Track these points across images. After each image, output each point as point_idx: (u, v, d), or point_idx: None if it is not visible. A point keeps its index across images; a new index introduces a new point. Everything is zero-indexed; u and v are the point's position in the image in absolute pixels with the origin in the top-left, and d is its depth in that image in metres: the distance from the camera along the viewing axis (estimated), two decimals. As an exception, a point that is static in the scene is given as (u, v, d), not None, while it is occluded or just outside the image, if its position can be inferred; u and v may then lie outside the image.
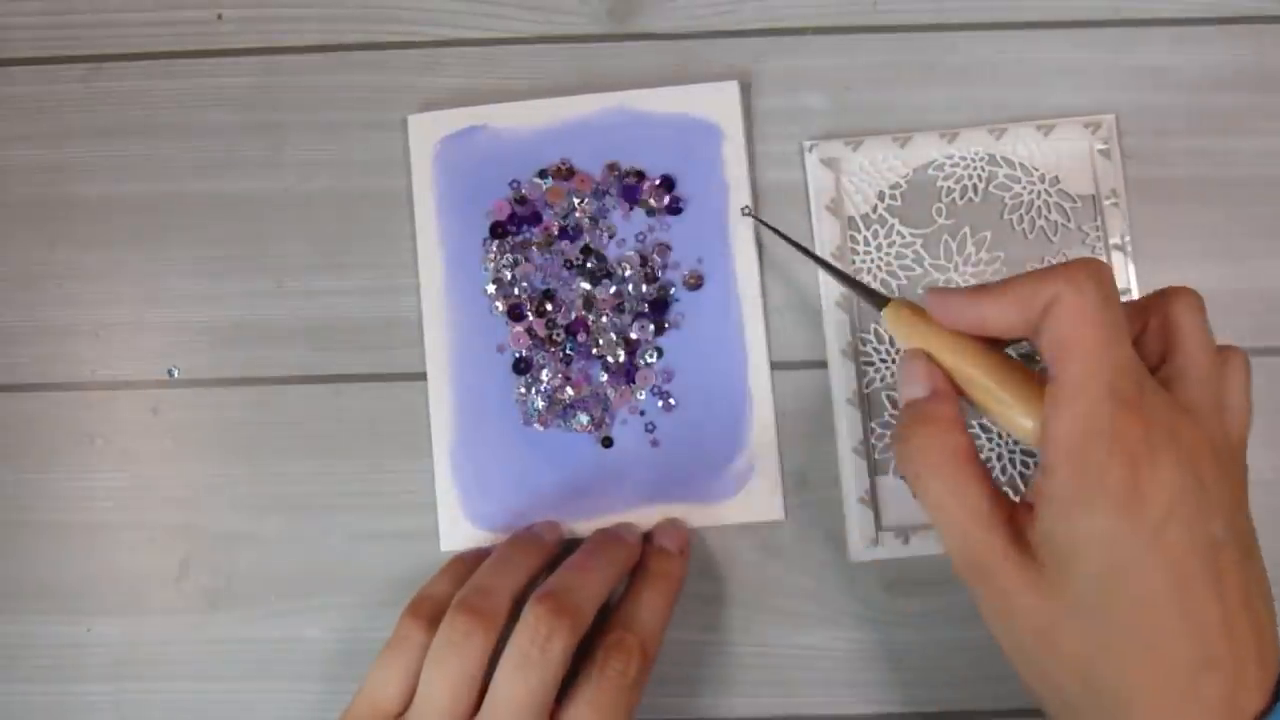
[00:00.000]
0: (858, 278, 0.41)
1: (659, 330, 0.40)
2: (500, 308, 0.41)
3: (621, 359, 0.40)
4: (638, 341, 0.40)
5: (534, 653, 0.32)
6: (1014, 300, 0.30)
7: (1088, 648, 0.28)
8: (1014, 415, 0.31)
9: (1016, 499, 0.31)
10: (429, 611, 0.35)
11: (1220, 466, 0.29)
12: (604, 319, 0.41)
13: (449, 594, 0.35)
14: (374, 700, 0.34)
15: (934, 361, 0.32)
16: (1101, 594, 0.28)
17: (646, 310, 0.41)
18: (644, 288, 0.41)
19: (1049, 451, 0.29)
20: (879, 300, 0.34)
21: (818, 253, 0.41)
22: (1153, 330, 0.32)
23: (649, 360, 0.40)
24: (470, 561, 0.37)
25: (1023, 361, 0.33)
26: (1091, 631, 0.28)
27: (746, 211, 0.40)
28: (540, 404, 0.40)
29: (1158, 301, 0.32)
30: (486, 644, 0.33)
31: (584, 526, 0.40)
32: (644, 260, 0.41)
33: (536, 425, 0.40)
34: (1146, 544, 0.28)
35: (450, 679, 0.32)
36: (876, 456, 0.40)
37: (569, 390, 0.40)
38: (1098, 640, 0.28)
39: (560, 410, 0.40)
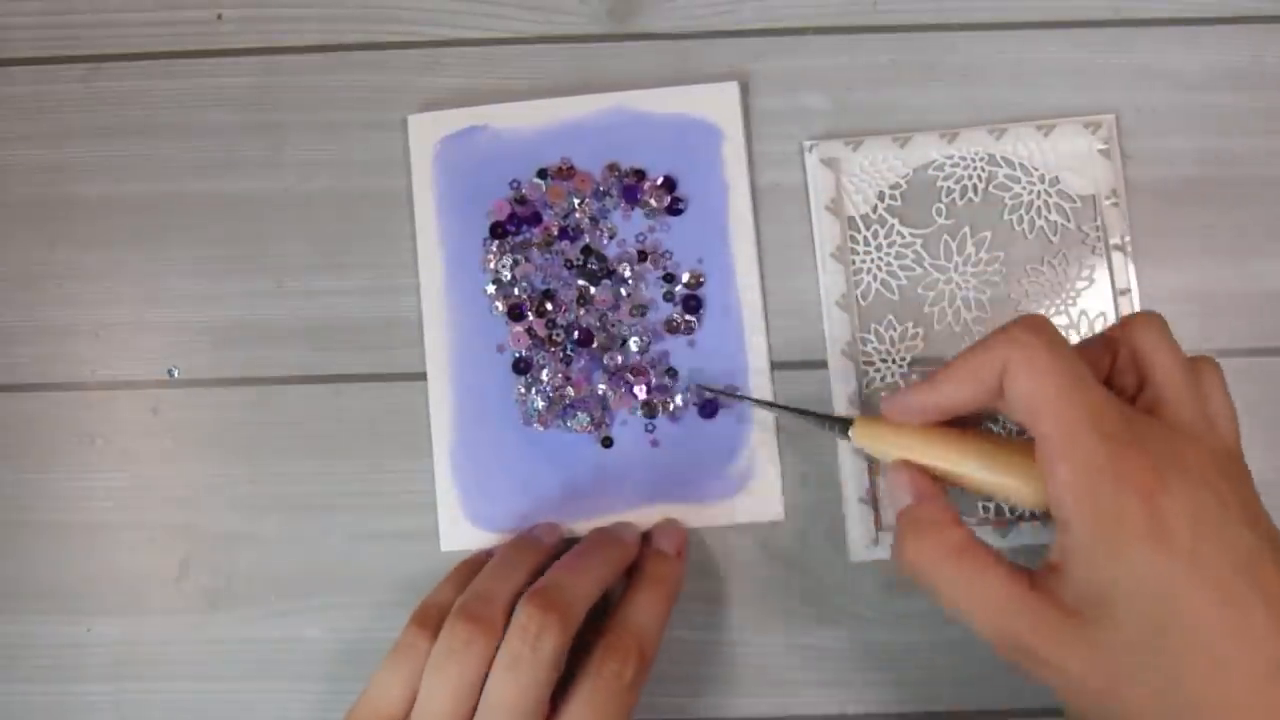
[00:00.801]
0: (858, 278, 0.41)
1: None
2: (500, 308, 0.41)
3: (622, 359, 0.40)
4: (638, 342, 0.40)
5: (525, 651, 0.32)
6: (965, 379, 0.30)
7: (1154, 685, 0.28)
8: (1010, 486, 0.31)
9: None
10: (434, 619, 0.34)
11: (1229, 476, 0.29)
12: (604, 319, 0.41)
13: (453, 601, 0.35)
14: (376, 706, 0.34)
15: (914, 466, 0.33)
16: (1153, 630, 0.28)
17: (646, 310, 0.41)
18: (644, 288, 0.41)
19: (1059, 508, 0.29)
20: (843, 425, 0.35)
21: (817, 252, 0.41)
22: (1123, 362, 0.32)
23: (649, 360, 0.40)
24: (474, 567, 0.37)
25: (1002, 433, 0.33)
26: (1153, 669, 0.28)
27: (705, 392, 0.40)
28: (540, 404, 0.40)
29: (1121, 332, 0.32)
30: (486, 651, 0.33)
31: (584, 526, 0.40)
32: (644, 260, 0.41)
33: (536, 425, 0.40)
34: (1184, 570, 0.27)
35: (451, 686, 0.32)
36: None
37: (569, 390, 0.40)
38: (1162, 676, 0.28)
39: (560, 410, 0.40)
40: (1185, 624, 0.27)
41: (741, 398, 0.39)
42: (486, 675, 0.32)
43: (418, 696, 0.33)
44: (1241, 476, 0.30)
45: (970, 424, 0.34)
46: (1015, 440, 0.31)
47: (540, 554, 0.37)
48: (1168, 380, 0.31)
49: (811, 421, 0.36)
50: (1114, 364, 0.32)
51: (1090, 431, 0.28)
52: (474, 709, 0.32)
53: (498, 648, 0.33)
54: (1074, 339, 0.40)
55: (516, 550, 0.37)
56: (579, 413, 0.40)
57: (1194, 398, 0.31)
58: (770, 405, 0.39)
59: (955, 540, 0.31)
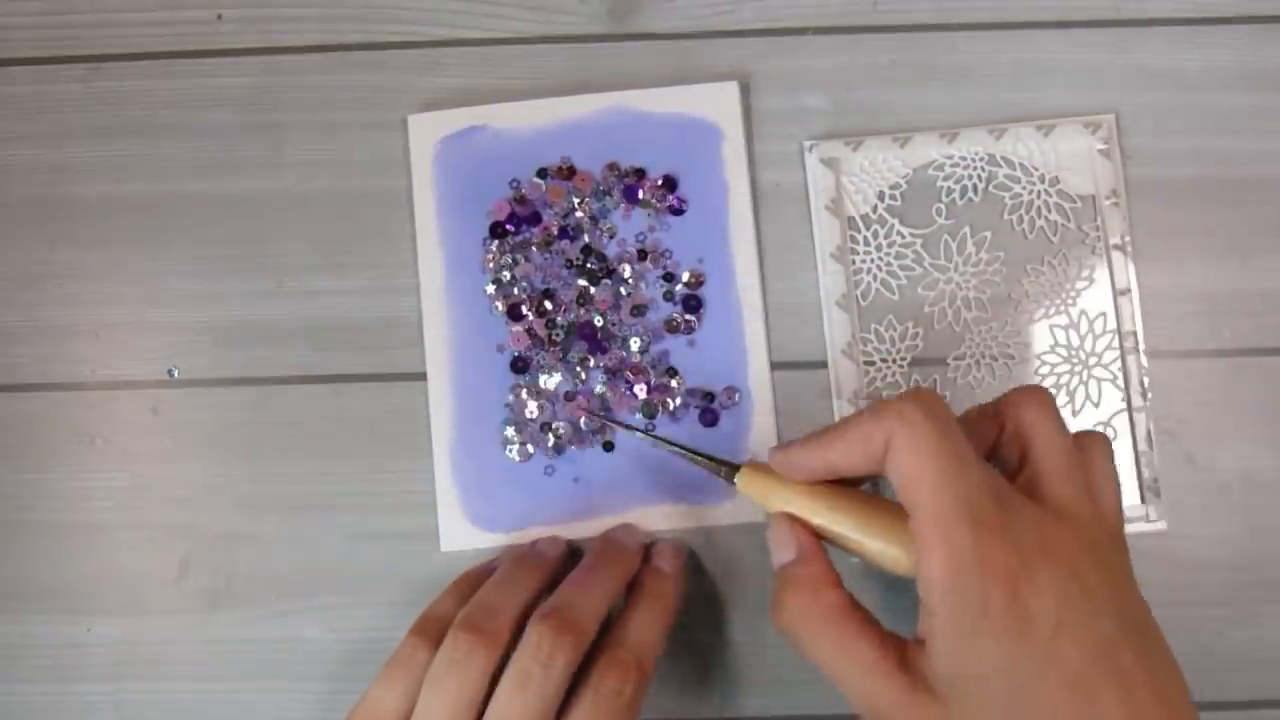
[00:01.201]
0: (858, 278, 0.41)
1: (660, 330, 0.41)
2: (500, 308, 0.41)
3: (622, 359, 0.40)
4: (638, 342, 0.40)
5: (536, 670, 0.31)
6: (852, 445, 0.30)
7: None
8: (889, 553, 0.31)
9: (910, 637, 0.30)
10: (434, 631, 0.34)
11: (1100, 561, 0.29)
12: (604, 319, 0.41)
13: (455, 613, 0.34)
14: (371, 717, 0.33)
15: (797, 520, 0.32)
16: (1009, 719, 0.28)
17: (646, 310, 0.41)
18: (644, 288, 0.41)
19: (925, 591, 0.29)
20: (730, 469, 0.34)
21: (817, 252, 0.41)
22: (1008, 436, 0.32)
23: (650, 361, 0.40)
24: (476, 578, 0.37)
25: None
26: None
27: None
28: (525, 445, 0.40)
29: (1006, 407, 0.32)
30: (488, 664, 0.32)
31: (584, 527, 0.40)
32: (644, 260, 0.41)
33: (515, 455, 0.40)
34: (1041, 661, 0.27)
35: (449, 699, 0.32)
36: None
37: (562, 422, 0.40)
38: None
39: (551, 444, 0.40)
40: (1040, 715, 0.27)
41: (628, 427, 0.39)
42: (486, 690, 0.32)
43: (415, 708, 0.32)
44: (1115, 559, 0.30)
45: (858, 484, 0.34)
46: (899, 507, 0.31)
47: (545, 569, 0.37)
48: (1047, 457, 0.31)
49: (703, 465, 0.36)
50: (1000, 436, 0.32)
51: (960, 519, 0.28)
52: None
53: (499, 662, 0.32)
54: (1074, 339, 0.40)
55: (521, 564, 0.37)
56: (570, 447, 0.40)
57: (1073, 475, 0.30)
58: (664, 443, 0.38)
59: (832, 604, 0.31)
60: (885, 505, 0.32)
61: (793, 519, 0.32)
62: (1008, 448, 0.32)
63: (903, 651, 0.30)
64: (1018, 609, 0.27)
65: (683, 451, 0.37)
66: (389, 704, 0.33)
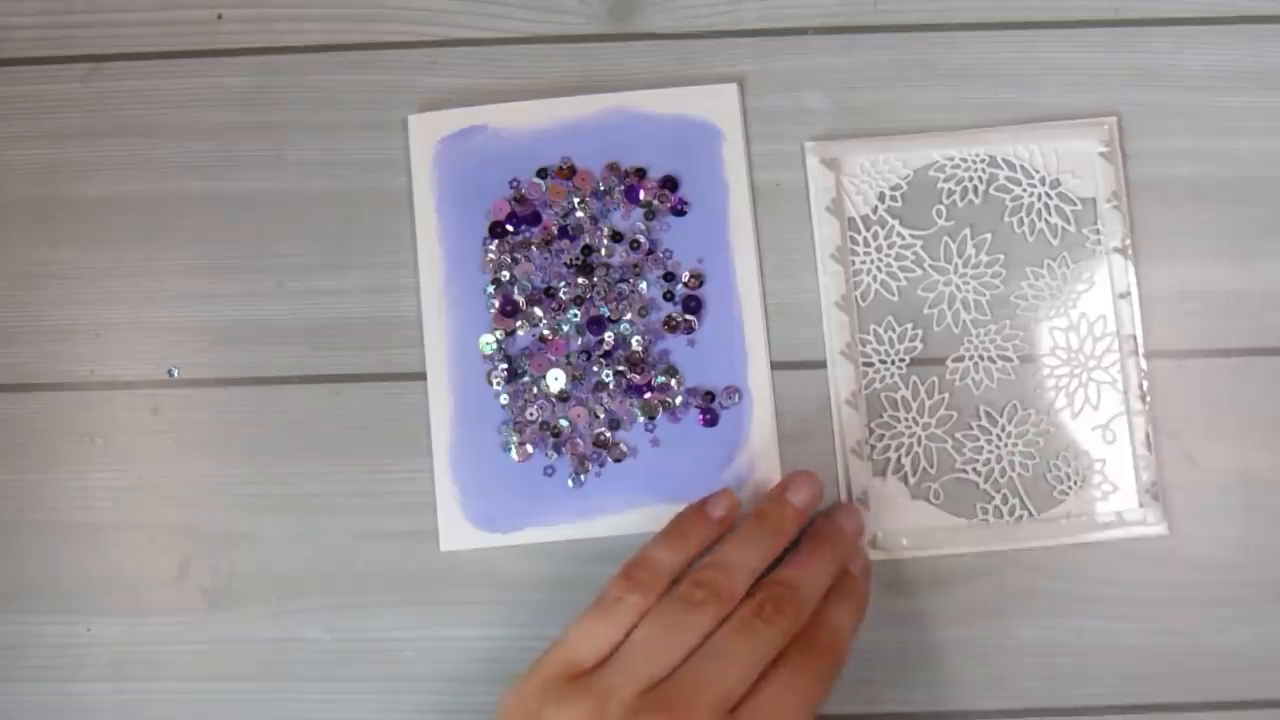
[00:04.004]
0: (857, 279, 0.41)
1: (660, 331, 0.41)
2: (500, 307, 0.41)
3: (622, 358, 0.40)
4: (639, 341, 0.40)
5: (758, 624, 0.33)
6: None
7: None
8: None
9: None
10: (645, 579, 0.35)
11: None
12: (605, 318, 0.41)
13: (667, 561, 0.35)
14: (571, 656, 0.33)
15: None
16: None
17: (646, 310, 0.41)
18: (644, 288, 0.41)
19: None
20: None
21: (817, 253, 0.41)
22: None
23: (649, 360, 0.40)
24: (689, 526, 0.37)
25: None
26: None
27: None
28: (519, 437, 0.40)
29: None
30: (714, 619, 0.33)
31: (584, 528, 0.40)
32: (644, 259, 0.41)
33: (514, 455, 0.40)
34: None
35: (661, 644, 0.33)
36: (876, 457, 0.40)
37: (563, 422, 0.40)
38: None
39: (542, 442, 0.40)
40: None
41: None
42: (696, 646, 0.33)
43: (624, 644, 0.33)
44: None
45: None
46: None
47: (785, 535, 0.37)
48: None
49: None
50: None
51: None
52: (671, 666, 0.33)
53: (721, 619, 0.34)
54: (1074, 341, 0.40)
55: (762, 523, 0.37)
56: (565, 453, 0.40)
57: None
58: None
59: None
60: None
61: None
62: None
63: None
64: None
65: None
66: (588, 648, 0.33)
